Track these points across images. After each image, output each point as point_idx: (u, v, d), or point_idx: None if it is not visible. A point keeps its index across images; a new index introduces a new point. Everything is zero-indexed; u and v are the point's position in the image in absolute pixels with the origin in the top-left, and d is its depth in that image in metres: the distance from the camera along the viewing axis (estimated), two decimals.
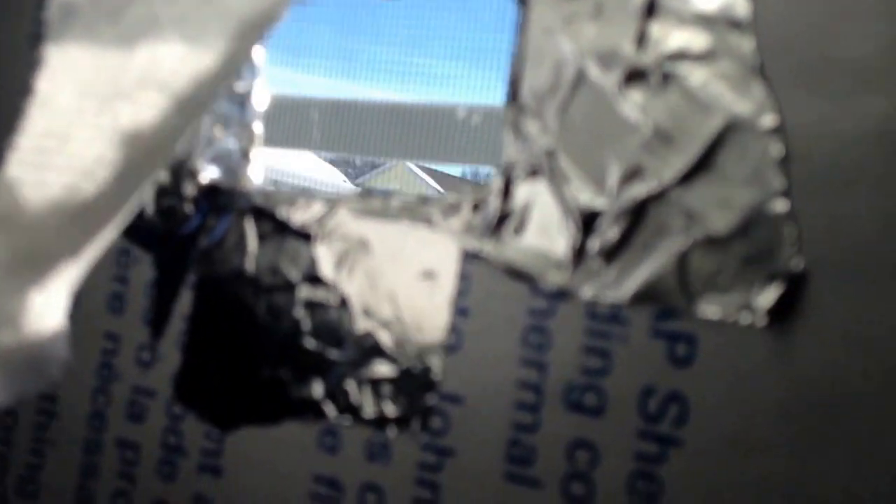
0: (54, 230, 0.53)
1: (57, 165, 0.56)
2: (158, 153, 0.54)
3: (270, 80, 0.71)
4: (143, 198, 0.57)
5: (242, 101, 0.69)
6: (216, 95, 0.56)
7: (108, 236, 0.53)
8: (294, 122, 0.74)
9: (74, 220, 0.53)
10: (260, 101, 0.70)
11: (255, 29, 0.55)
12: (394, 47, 0.71)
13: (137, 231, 0.67)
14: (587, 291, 0.52)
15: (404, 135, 0.72)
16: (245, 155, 0.68)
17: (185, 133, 0.54)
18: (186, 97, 0.55)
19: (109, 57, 0.59)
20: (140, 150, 0.54)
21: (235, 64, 0.55)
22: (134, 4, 0.60)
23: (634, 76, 0.52)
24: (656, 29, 0.52)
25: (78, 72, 0.59)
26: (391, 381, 0.57)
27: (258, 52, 0.69)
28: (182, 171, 0.66)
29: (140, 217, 0.67)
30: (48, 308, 0.53)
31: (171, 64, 0.57)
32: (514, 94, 0.56)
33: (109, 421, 0.66)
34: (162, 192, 0.67)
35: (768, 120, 0.48)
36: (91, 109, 0.57)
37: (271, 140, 0.75)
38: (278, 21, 0.57)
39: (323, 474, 0.58)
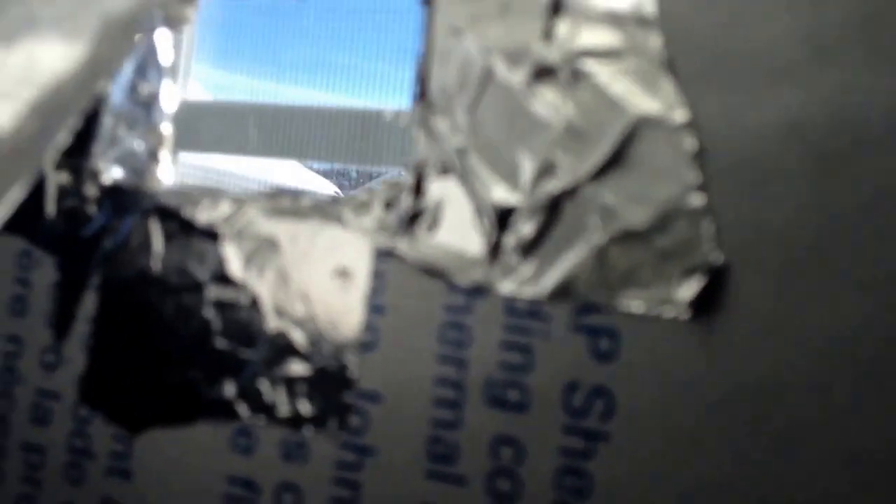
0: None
1: None
2: (35, 149, 0.48)
3: (199, 81, 0.64)
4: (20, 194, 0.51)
5: (148, 102, 0.61)
6: (91, 93, 0.50)
7: None
8: (223, 127, 0.67)
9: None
10: (168, 102, 0.62)
11: (129, 29, 0.49)
12: (317, 46, 0.64)
13: (39, 232, 0.59)
14: (505, 287, 0.46)
15: (333, 138, 0.66)
16: (153, 156, 0.61)
17: (61, 129, 0.48)
18: (63, 95, 0.49)
19: None
20: (18, 146, 0.48)
21: (110, 63, 0.49)
22: (12, 4, 0.53)
23: (543, 73, 0.47)
24: (564, 26, 0.47)
25: None
26: (306, 379, 0.50)
27: (166, 53, 0.62)
28: (83, 171, 0.59)
29: (41, 218, 0.59)
30: None
31: (49, 62, 0.50)
32: (422, 92, 0.50)
33: (13, 425, 0.58)
34: (63, 194, 0.59)
35: (679, 115, 0.44)
36: None
37: (199, 145, 0.68)
38: (151, 22, 0.52)
39: (238, 475, 0.51)
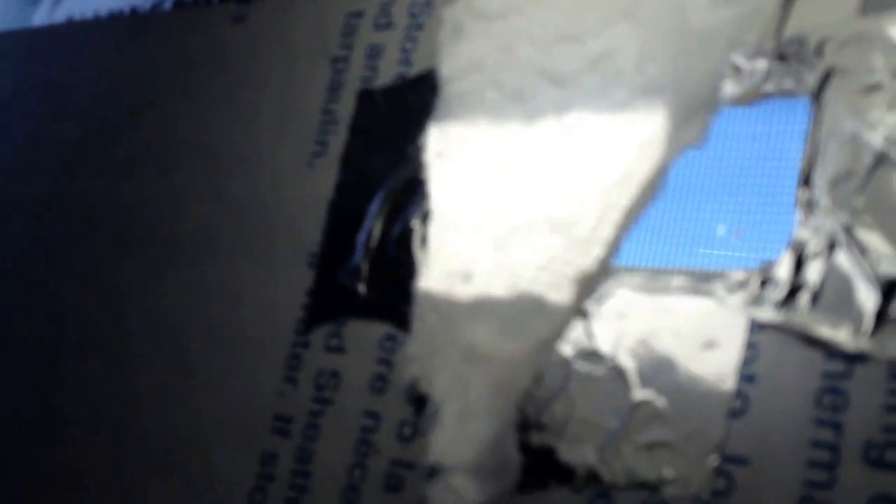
0: (524, 366, 0.59)
1: (464, 302, 0.63)
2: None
3: None
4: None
5: None
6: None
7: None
8: None
9: (532, 355, 0.59)
10: None
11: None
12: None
13: (404, 320, 0.66)
14: (888, 354, 0.49)
15: None
16: None
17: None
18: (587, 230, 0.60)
19: (493, 201, 0.61)
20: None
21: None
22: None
23: None
24: None
25: (463, 216, 0.64)
26: (670, 445, 0.54)
27: None
28: None
29: (408, 306, 0.66)
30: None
31: (552, 205, 0.58)
32: (806, 179, 0.55)
33: (364, 493, 0.63)
34: None
35: None
36: (487, 248, 0.62)
37: None
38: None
39: None
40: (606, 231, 0.59)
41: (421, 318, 0.65)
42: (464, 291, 0.64)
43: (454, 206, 0.66)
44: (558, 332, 0.58)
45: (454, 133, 0.68)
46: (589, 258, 0.59)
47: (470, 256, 0.64)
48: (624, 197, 0.59)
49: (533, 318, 0.59)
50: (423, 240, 0.68)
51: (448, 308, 0.63)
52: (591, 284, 0.59)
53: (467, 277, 0.64)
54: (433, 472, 0.59)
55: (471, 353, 0.61)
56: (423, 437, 0.62)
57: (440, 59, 0.69)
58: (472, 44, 0.69)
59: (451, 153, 0.67)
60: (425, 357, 0.63)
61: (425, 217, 0.68)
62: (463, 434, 0.59)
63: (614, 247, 0.59)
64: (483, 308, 0.62)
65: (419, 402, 0.62)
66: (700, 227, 0.65)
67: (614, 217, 0.60)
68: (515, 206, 0.64)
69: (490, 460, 0.58)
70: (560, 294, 0.59)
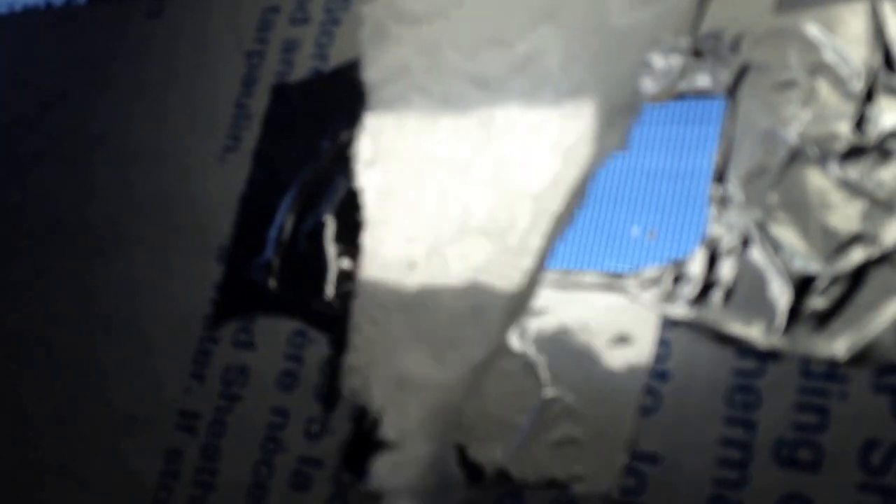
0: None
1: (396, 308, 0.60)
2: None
3: None
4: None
5: None
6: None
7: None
8: None
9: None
10: None
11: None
12: None
13: (315, 314, 0.63)
14: (802, 352, 0.47)
15: None
16: None
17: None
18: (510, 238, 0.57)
19: (426, 209, 0.60)
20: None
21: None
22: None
23: (852, 154, 0.49)
24: (873, 110, 0.49)
25: (396, 225, 0.61)
26: (579, 442, 0.51)
27: None
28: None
29: (320, 301, 0.63)
30: None
31: (485, 212, 0.57)
32: (720, 176, 0.53)
33: (272, 492, 0.60)
34: (343, 278, 0.63)
35: None
36: (421, 256, 0.60)
37: None
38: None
39: None
40: (536, 240, 0.56)
41: (358, 330, 0.61)
42: (399, 297, 0.61)
43: (387, 216, 0.63)
44: (492, 353, 0.55)
45: (384, 141, 0.64)
46: (519, 270, 0.56)
47: (403, 265, 0.61)
48: (553, 203, 0.56)
49: (466, 340, 0.57)
50: (337, 235, 0.64)
51: (384, 315, 0.60)
52: (522, 302, 0.56)
53: (401, 284, 0.61)
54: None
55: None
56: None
57: (364, 62, 0.66)
58: (396, 47, 0.67)
59: (381, 161, 0.64)
60: (363, 368, 0.60)
61: (340, 214, 0.65)
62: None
63: (543, 257, 0.56)
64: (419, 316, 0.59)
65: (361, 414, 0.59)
66: (614, 229, 0.62)
67: (544, 225, 0.57)
68: (448, 213, 0.61)
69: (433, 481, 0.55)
70: (493, 312, 0.56)
